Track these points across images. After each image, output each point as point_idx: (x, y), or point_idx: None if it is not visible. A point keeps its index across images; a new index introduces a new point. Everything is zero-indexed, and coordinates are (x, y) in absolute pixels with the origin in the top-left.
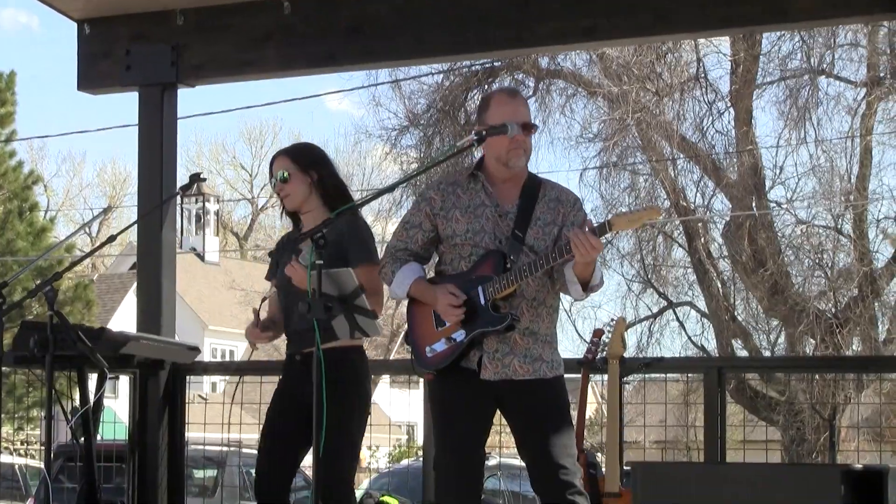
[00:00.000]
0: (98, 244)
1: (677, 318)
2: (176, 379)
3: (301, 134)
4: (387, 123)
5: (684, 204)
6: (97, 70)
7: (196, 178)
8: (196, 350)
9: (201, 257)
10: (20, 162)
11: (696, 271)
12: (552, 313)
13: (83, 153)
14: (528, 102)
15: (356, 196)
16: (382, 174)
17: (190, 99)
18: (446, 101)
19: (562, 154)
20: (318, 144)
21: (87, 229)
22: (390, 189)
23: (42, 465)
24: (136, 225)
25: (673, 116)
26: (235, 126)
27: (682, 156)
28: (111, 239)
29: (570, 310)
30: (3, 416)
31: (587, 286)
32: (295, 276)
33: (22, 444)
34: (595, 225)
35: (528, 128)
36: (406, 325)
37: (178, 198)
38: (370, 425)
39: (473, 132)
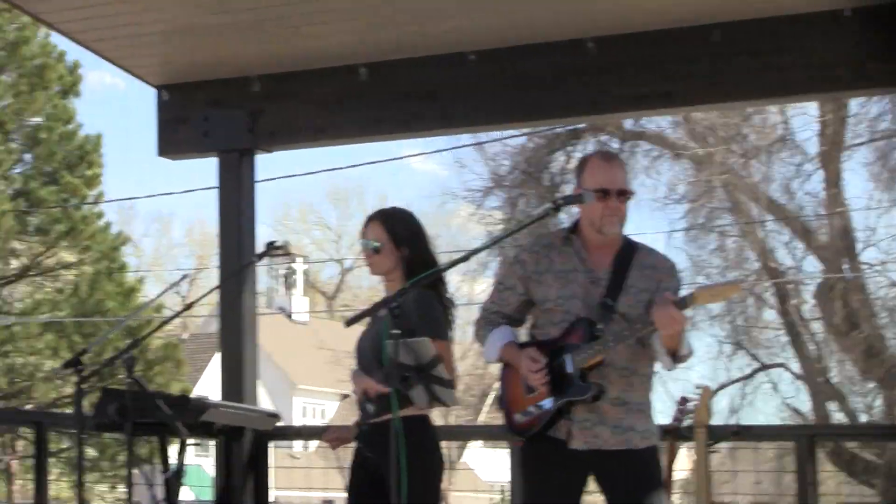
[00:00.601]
0: (177, 311)
1: (770, 380)
2: (260, 443)
3: (387, 195)
4: (471, 185)
5: (774, 265)
6: (176, 136)
7: (271, 247)
8: (276, 417)
9: (289, 317)
10: (108, 223)
11: (788, 333)
12: (645, 381)
13: (171, 213)
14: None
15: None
16: (468, 235)
17: (276, 158)
18: (530, 162)
19: (648, 215)
20: (412, 212)
21: (177, 289)
22: (462, 260)
23: None
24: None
25: (760, 178)
26: (322, 186)
27: (770, 218)
28: (188, 307)
29: (659, 371)
30: (88, 476)
31: (676, 356)
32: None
33: (116, 502)
34: (678, 299)
35: (624, 194)
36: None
37: (266, 258)
38: (454, 488)
39: (552, 200)
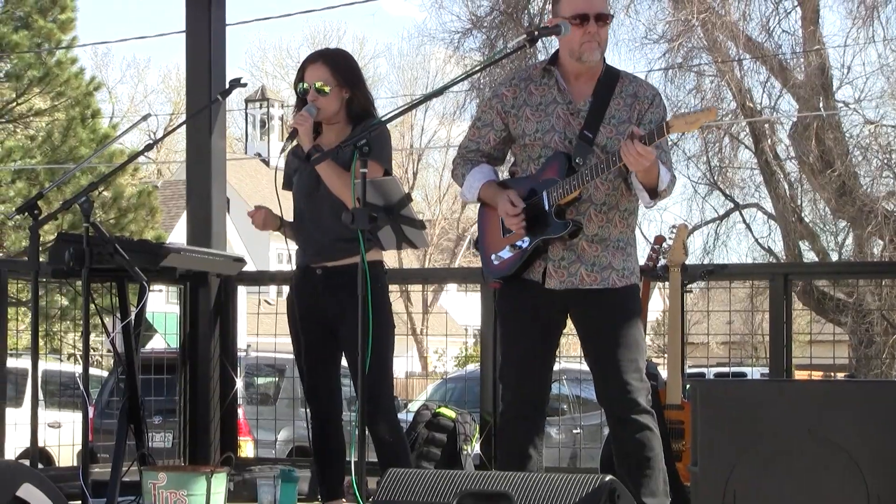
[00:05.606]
0: (139, 151)
1: (744, 221)
2: (228, 289)
3: (365, 38)
4: (449, 26)
5: (750, 105)
6: None
7: (236, 84)
8: (241, 262)
9: (266, 163)
10: (81, 68)
11: (762, 173)
12: (626, 217)
13: (148, 59)
14: None
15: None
16: (446, 77)
17: (251, 4)
18: (509, 3)
19: (626, 56)
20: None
21: (152, 136)
22: (436, 94)
23: (104, 374)
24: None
25: (739, 17)
26: (300, 31)
27: (748, 56)
28: (148, 147)
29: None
30: (57, 325)
31: (655, 193)
32: (302, 127)
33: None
34: (645, 132)
35: (603, 18)
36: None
37: (245, 105)
38: (429, 332)
39: (525, 32)
